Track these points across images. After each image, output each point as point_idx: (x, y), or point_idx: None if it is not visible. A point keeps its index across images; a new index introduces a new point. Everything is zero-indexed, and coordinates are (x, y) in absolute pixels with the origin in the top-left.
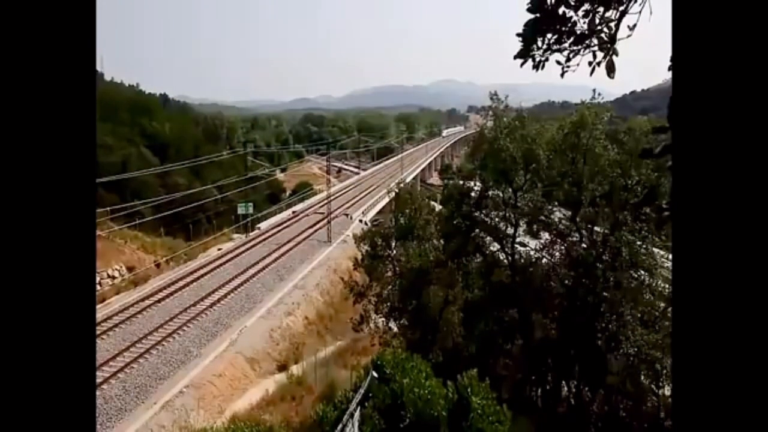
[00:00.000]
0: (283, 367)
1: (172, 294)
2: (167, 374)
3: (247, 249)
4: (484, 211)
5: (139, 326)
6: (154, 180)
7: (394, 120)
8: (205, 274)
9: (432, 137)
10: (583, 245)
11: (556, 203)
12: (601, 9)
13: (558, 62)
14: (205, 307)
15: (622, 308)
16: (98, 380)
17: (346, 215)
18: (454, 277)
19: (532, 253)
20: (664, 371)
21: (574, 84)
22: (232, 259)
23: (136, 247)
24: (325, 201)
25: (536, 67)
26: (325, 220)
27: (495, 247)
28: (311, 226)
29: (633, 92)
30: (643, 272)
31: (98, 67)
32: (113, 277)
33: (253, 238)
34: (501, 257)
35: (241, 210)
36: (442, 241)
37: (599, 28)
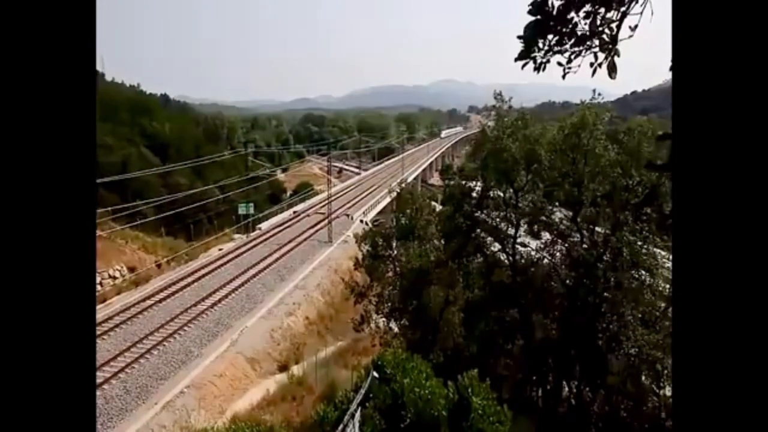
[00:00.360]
0: (283, 368)
1: (173, 294)
2: (168, 374)
3: (248, 249)
4: (485, 211)
5: (140, 326)
6: (156, 180)
7: (394, 120)
8: (206, 274)
9: (432, 137)
10: (584, 245)
11: (557, 203)
12: (602, 10)
13: (559, 63)
14: (206, 308)
15: (622, 308)
16: (99, 380)
17: (347, 215)
18: (455, 278)
19: (533, 253)
20: (665, 371)
21: (575, 84)
22: (233, 259)
23: (137, 247)
24: (326, 201)
25: (537, 68)
26: (326, 221)
27: (496, 247)
28: (312, 227)
29: (634, 92)
30: (643, 272)
31: (98, 67)
32: (114, 278)
33: (254, 239)
34: (502, 257)
35: (241, 210)
36: (442, 241)
37: (600, 29)
